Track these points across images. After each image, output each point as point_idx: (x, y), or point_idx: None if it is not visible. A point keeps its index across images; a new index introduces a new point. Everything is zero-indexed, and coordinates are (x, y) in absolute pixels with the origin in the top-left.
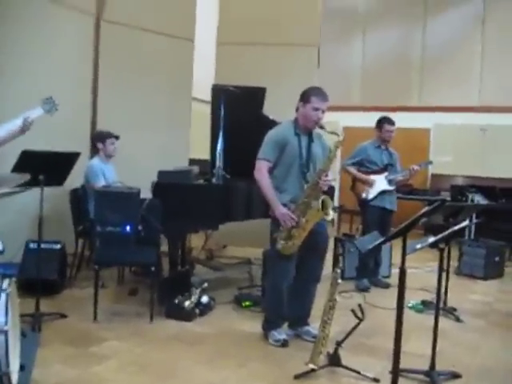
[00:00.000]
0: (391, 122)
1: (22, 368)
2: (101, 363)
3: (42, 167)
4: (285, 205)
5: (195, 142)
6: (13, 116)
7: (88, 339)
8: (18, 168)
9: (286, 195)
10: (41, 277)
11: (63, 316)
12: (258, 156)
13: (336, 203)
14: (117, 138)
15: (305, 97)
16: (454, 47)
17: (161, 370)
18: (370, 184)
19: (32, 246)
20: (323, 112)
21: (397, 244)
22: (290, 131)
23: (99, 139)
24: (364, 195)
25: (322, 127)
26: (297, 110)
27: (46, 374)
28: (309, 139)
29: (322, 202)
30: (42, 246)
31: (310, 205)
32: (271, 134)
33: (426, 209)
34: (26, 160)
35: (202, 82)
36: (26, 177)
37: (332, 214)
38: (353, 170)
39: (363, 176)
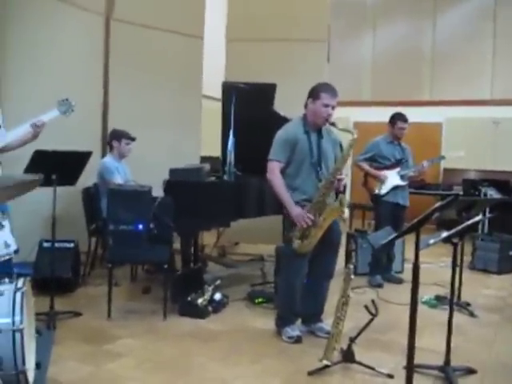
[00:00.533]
0: (404, 119)
1: (37, 366)
2: (115, 360)
3: (55, 167)
4: (297, 203)
5: (206, 139)
6: (24, 115)
7: (102, 337)
8: (31, 168)
9: (298, 193)
10: (55, 275)
11: (78, 314)
12: (269, 157)
13: (348, 199)
14: (133, 139)
15: (314, 93)
16: (465, 41)
17: (175, 366)
18: (383, 180)
19: (46, 245)
20: (333, 108)
21: (410, 239)
22: (300, 129)
23: (116, 137)
24: (376, 191)
25: (333, 124)
26: (305, 106)
27: (61, 372)
28: (318, 136)
29: (340, 200)
30: (56, 245)
31: (325, 203)
32: (281, 134)
33: (438, 204)
34: (38, 160)
35: (212, 80)
36: (40, 177)
37: (347, 212)
38: (365, 165)
39: (376, 172)
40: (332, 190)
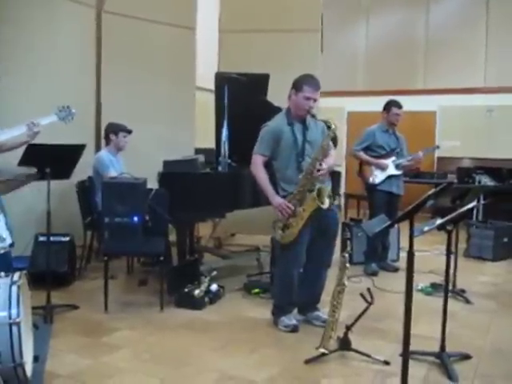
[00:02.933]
0: (399, 105)
1: (35, 359)
2: (113, 352)
3: (49, 160)
4: (291, 193)
5: (200, 131)
6: (16, 108)
7: (100, 329)
8: (25, 162)
9: (289, 186)
10: (51, 269)
11: (74, 307)
12: (254, 151)
13: (342, 189)
14: (130, 132)
15: (297, 85)
16: (459, 29)
17: (173, 357)
18: (384, 168)
19: (41, 239)
20: (315, 101)
21: (405, 227)
22: (283, 122)
23: (113, 130)
24: (371, 180)
25: (313, 116)
26: (289, 97)
27: (59, 365)
28: (303, 127)
29: (318, 190)
30: (51, 238)
31: (305, 194)
32: (265, 128)
33: (432, 190)
34: (32, 153)
35: (206, 71)
36: (33, 170)
37: (328, 202)
38: (363, 155)
39: (376, 160)
40: (314, 181)
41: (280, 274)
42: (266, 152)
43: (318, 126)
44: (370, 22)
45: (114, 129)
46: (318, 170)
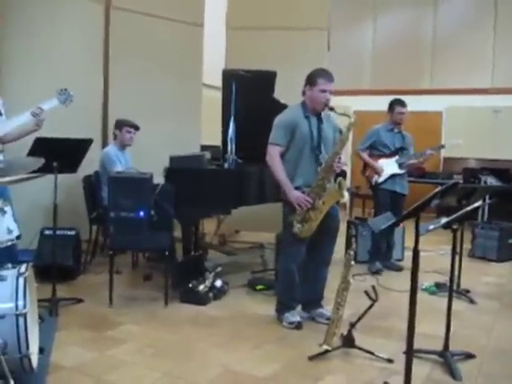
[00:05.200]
0: (403, 104)
1: (41, 351)
2: (117, 346)
3: (56, 154)
4: (298, 188)
5: (206, 128)
6: (24, 105)
7: (104, 323)
8: (32, 155)
9: (299, 179)
10: (56, 263)
11: (80, 301)
12: (269, 141)
13: (347, 184)
14: (136, 127)
15: (310, 80)
16: (466, 29)
17: (177, 352)
18: (379, 172)
19: (47, 232)
20: (331, 93)
21: (410, 226)
22: (299, 114)
23: (117, 126)
24: (374, 179)
25: (331, 109)
26: (303, 94)
27: (64, 357)
28: (318, 121)
29: (339, 183)
30: (57, 232)
31: (324, 187)
32: (281, 118)
33: (438, 189)
34: (39, 147)
35: (212, 68)
36: (41, 161)
37: (346, 196)
38: (365, 156)
39: (374, 164)
40: (332, 174)
41: (282, 271)
42: (282, 141)
43: (331, 123)
44: (377, 21)
45: (119, 124)
46: (338, 163)
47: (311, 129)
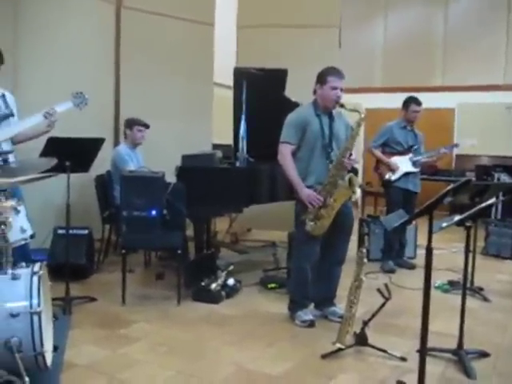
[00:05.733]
0: (418, 103)
1: (55, 349)
2: (130, 344)
3: (68, 153)
4: (310, 187)
5: (217, 127)
6: (37, 105)
7: (117, 321)
8: (45, 155)
9: (311, 177)
10: (70, 262)
11: (93, 299)
12: (280, 139)
13: (359, 181)
14: (146, 126)
15: (321, 78)
16: (478, 25)
17: (190, 350)
18: (394, 169)
19: (60, 231)
20: (342, 90)
21: (422, 225)
22: (311, 112)
23: (128, 125)
24: (387, 176)
25: (342, 106)
26: (314, 92)
27: (78, 355)
28: (330, 119)
29: (349, 179)
30: (70, 231)
31: (336, 184)
32: (292, 116)
33: (452, 185)
34: (52, 147)
35: (223, 67)
36: (54, 161)
37: (359, 192)
38: (378, 153)
39: (388, 161)
40: (343, 171)
41: (294, 270)
42: (293, 140)
43: (342, 120)
44: (388, 18)
45: (129, 123)
46: (349, 159)
47: (322, 127)
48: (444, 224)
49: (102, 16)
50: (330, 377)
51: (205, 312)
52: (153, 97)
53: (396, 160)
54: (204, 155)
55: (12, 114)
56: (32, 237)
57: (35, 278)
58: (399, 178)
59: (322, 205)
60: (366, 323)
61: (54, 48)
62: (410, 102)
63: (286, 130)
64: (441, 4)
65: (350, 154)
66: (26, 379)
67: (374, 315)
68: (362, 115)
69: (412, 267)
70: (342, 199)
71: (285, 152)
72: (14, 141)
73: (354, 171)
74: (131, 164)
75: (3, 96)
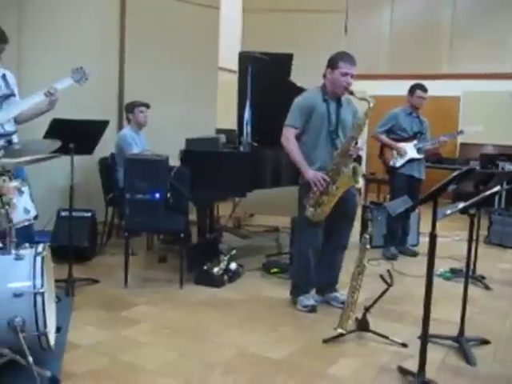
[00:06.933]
0: (424, 89)
1: (58, 330)
2: (133, 326)
3: (72, 135)
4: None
5: (222, 112)
6: (41, 86)
7: (120, 304)
8: (49, 136)
9: (315, 162)
10: (73, 244)
11: (95, 281)
12: (285, 123)
13: (363, 170)
14: (146, 106)
15: (332, 62)
16: (485, 13)
17: (192, 333)
18: (402, 154)
19: (63, 214)
20: (352, 76)
21: (425, 212)
22: (318, 97)
23: (128, 109)
24: (392, 162)
25: (351, 93)
26: (324, 76)
27: (80, 336)
28: (337, 105)
29: (353, 168)
30: (73, 214)
31: (339, 172)
32: (298, 101)
33: (457, 172)
34: (56, 128)
35: (228, 51)
36: (58, 143)
37: (361, 182)
38: (385, 138)
39: (396, 145)
40: (348, 159)
41: (297, 255)
42: (298, 124)
43: (350, 108)
44: (394, 5)
45: (129, 107)
46: (355, 148)
47: (329, 112)
48: (448, 211)
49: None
50: (331, 361)
51: (207, 296)
52: (157, 81)
53: (402, 145)
54: (208, 139)
55: (13, 94)
56: (35, 218)
57: (39, 259)
58: (404, 165)
59: (324, 191)
60: (367, 309)
61: (58, 33)
62: (415, 87)
63: (291, 113)
64: None
65: (356, 142)
66: (30, 359)
67: (375, 301)
68: (371, 104)
69: (414, 255)
70: (343, 187)
71: (288, 135)
72: (18, 121)
73: (358, 158)
74: (135, 148)
75: (4, 76)
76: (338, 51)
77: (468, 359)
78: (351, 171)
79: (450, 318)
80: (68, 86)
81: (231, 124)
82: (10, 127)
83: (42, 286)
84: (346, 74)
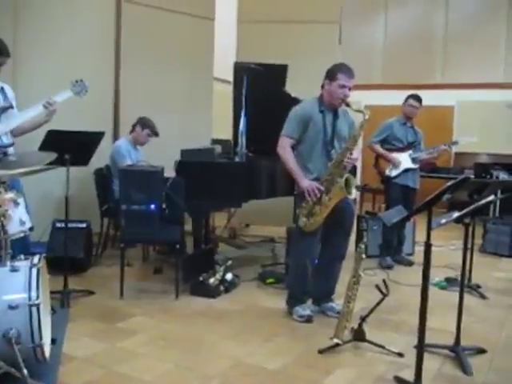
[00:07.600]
0: (417, 98)
1: (53, 342)
2: (128, 338)
3: (68, 147)
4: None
5: (217, 122)
6: (37, 98)
7: (115, 315)
8: (44, 147)
9: (309, 174)
10: (68, 255)
11: (91, 293)
12: (282, 133)
13: (358, 182)
14: (156, 134)
15: (331, 74)
16: (479, 23)
17: (188, 344)
18: (396, 165)
19: (59, 225)
20: (350, 89)
21: (420, 221)
22: (315, 108)
23: (142, 124)
24: (387, 172)
25: (347, 105)
26: (322, 87)
27: (76, 348)
28: (334, 116)
29: (346, 180)
30: (69, 225)
31: (333, 182)
32: (295, 110)
33: (451, 182)
34: (51, 139)
35: (224, 62)
36: (53, 156)
37: (355, 193)
38: (379, 148)
39: (391, 156)
40: (342, 170)
41: (293, 265)
42: (294, 134)
43: (347, 119)
44: (388, 15)
45: (143, 123)
46: (349, 160)
47: (325, 123)
48: (443, 220)
49: (103, 9)
50: (328, 372)
51: (203, 306)
52: (152, 91)
53: (397, 157)
54: (203, 150)
55: (11, 106)
56: (31, 229)
57: (34, 271)
58: (399, 175)
59: (317, 201)
60: (363, 319)
61: (54, 42)
62: (408, 97)
63: (288, 123)
64: (441, 1)
65: (351, 153)
66: (25, 371)
67: (371, 311)
68: (366, 117)
69: (410, 264)
70: (336, 198)
71: (284, 145)
72: (14, 133)
73: (353, 168)
74: (128, 160)
75: (2, 89)
76: (336, 63)
77: (464, 368)
78: (343, 183)
79: (446, 327)
80: (67, 98)
81: (227, 134)
82: (6, 139)
83: (38, 297)
84: (343, 86)
